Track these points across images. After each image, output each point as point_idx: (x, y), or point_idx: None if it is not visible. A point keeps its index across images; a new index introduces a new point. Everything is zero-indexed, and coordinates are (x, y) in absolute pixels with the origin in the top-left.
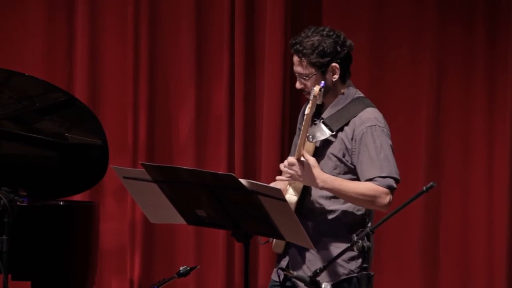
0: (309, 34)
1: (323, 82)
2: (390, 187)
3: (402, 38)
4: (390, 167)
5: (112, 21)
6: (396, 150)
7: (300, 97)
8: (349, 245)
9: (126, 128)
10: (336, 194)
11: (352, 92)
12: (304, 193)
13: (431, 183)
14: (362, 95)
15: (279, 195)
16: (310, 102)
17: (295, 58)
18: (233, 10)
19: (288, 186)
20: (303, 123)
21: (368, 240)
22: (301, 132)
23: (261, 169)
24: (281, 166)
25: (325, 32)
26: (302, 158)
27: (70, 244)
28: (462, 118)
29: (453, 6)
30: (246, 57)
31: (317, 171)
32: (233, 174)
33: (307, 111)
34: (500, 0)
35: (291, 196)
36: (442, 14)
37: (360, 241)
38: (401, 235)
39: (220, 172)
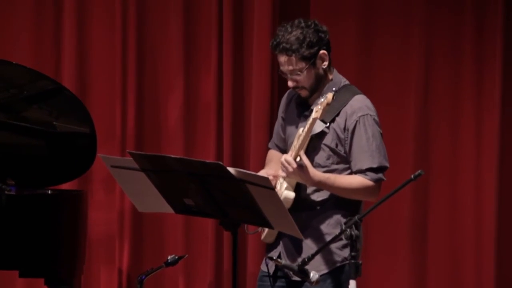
0: (289, 29)
1: (334, 88)
2: (379, 180)
3: (390, 26)
4: (381, 156)
5: (100, 10)
6: (385, 138)
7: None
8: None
9: (115, 116)
10: (329, 191)
11: (338, 79)
12: (299, 187)
13: (419, 171)
14: (347, 82)
15: (267, 184)
16: (321, 107)
17: (283, 58)
18: None
19: (283, 180)
20: (307, 126)
21: (357, 229)
22: (302, 133)
23: (250, 158)
24: (281, 160)
25: (302, 24)
26: (297, 158)
27: (58, 233)
28: (451, 106)
29: None
30: (234, 45)
31: (311, 170)
32: (220, 163)
33: (314, 115)
34: None
35: (289, 192)
36: (430, 1)
37: (348, 230)
38: (389, 224)
39: (207, 161)
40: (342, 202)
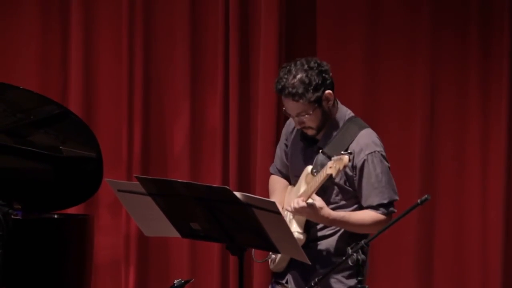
0: (293, 72)
1: (350, 152)
2: (391, 213)
3: (396, 48)
4: (391, 191)
5: (106, 33)
6: (390, 161)
7: None
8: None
9: (121, 141)
10: (343, 228)
11: (343, 112)
12: (308, 224)
13: (426, 196)
14: (352, 114)
15: (273, 208)
16: (338, 167)
17: (290, 102)
18: (227, 23)
19: (291, 217)
20: (321, 179)
21: (363, 253)
22: (315, 184)
23: (256, 182)
24: (291, 205)
25: (306, 66)
26: (309, 200)
27: (64, 257)
28: (456, 128)
29: (447, 15)
30: (240, 70)
31: (326, 211)
32: (227, 187)
33: (329, 171)
34: (493, 9)
35: (299, 235)
36: (435, 23)
37: (354, 254)
38: (395, 248)
39: (214, 185)
40: (352, 233)
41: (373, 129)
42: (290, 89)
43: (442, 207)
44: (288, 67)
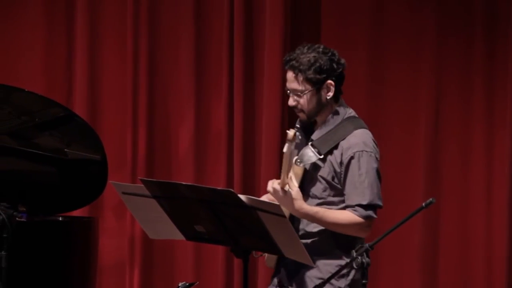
0: (305, 51)
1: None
2: (369, 218)
3: (400, 52)
4: (372, 194)
5: (111, 36)
6: (395, 164)
7: None
8: (346, 261)
9: (125, 143)
10: (317, 224)
11: (343, 111)
12: (292, 217)
13: (431, 199)
14: (354, 114)
15: (278, 211)
16: (286, 145)
17: (290, 74)
18: (232, 26)
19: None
20: (283, 160)
21: (367, 256)
22: (282, 164)
23: (260, 185)
24: (268, 187)
25: (321, 49)
26: (286, 187)
27: (69, 259)
28: (461, 132)
29: (451, 20)
30: (244, 73)
31: (298, 203)
32: (232, 190)
33: (284, 149)
34: (498, 14)
35: None
36: (440, 27)
37: (359, 257)
38: (400, 251)
39: (219, 188)
40: (339, 233)
41: (377, 132)
42: (294, 62)
43: (447, 211)
44: (304, 46)
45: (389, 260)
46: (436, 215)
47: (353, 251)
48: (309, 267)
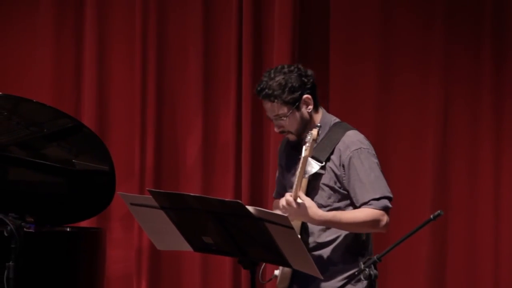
0: (272, 75)
1: (319, 124)
2: (385, 208)
3: (409, 64)
4: (382, 187)
5: (120, 47)
6: (403, 176)
7: None
8: (356, 270)
9: (134, 154)
10: (336, 228)
11: (327, 119)
12: (303, 229)
13: (439, 211)
14: (338, 120)
15: (286, 223)
16: (309, 145)
17: (267, 104)
18: (241, 37)
19: None
20: (300, 165)
21: (375, 268)
22: (298, 173)
23: (268, 196)
24: (280, 203)
25: (285, 69)
26: (298, 199)
27: (76, 270)
28: (469, 145)
29: (459, 32)
30: (253, 84)
31: (313, 210)
32: (240, 201)
33: (304, 153)
34: (506, 26)
35: None
36: (448, 40)
37: (367, 269)
38: (407, 263)
39: (227, 199)
40: (349, 236)
41: (385, 143)
42: (267, 90)
43: (455, 223)
44: (269, 71)
45: (397, 272)
46: (444, 227)
47: (361, 262)
48: (327, 280)
